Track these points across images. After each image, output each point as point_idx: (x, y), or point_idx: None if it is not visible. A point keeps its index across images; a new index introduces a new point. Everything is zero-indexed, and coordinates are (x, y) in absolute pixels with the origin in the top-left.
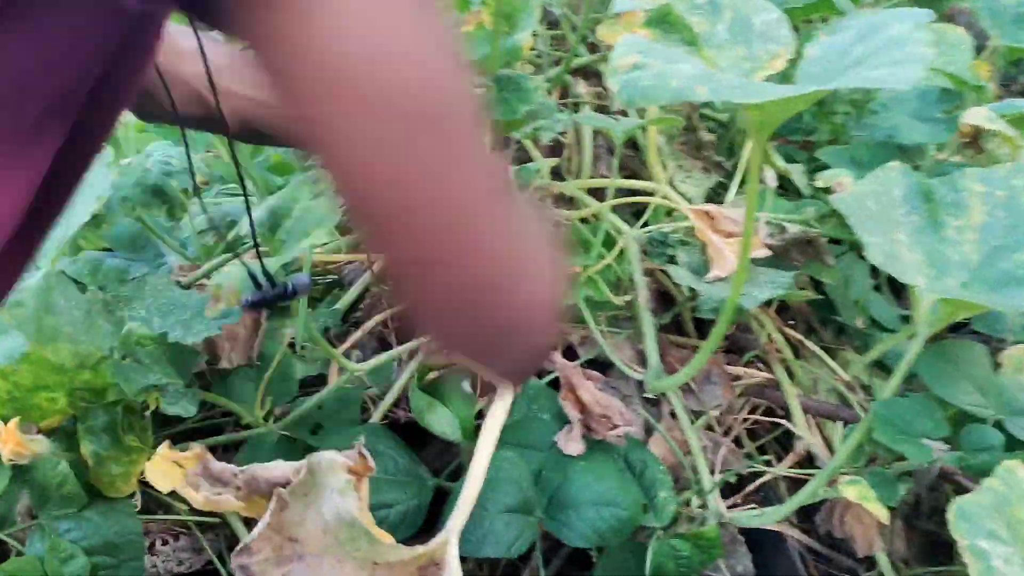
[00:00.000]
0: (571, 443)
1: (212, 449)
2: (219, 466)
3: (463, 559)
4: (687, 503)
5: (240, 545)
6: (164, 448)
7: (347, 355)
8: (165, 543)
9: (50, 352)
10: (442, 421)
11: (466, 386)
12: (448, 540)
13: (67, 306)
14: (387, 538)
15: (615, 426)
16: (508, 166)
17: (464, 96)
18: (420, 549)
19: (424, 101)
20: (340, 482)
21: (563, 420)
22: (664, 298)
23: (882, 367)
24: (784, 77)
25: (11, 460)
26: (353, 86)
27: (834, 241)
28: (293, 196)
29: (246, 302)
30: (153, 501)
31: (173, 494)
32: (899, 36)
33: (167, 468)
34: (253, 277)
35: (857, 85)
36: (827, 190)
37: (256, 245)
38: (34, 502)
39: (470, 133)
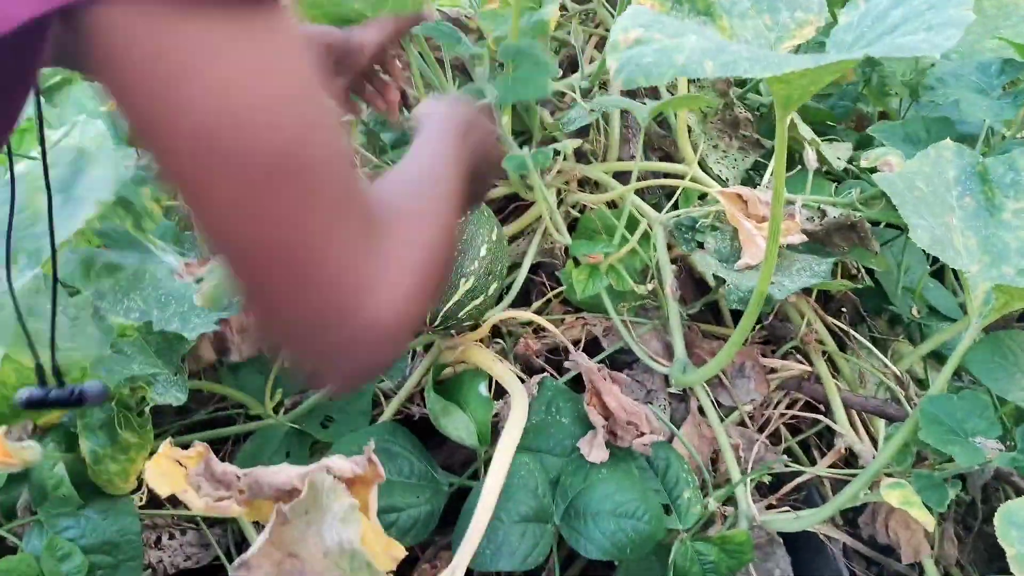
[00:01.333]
0: (595, 450)
1: (223, 441)
2: (222, 467)
3: (476, 573)
4: (720, 503)
5: (239, 560)
6: (165, 446)
7: None
8: (172, 537)
9: (27, 357)
10: (458, 426)
11: (483, 389)
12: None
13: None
14: (388, 565)
15: (642, 433)
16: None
17: (324, 154)
18: None
19: (283, 160)
20: (343, 508)
21: (583, 423)
22: (698, 284)
23: (940, 359)
24: (816, 47)
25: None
26: (220, 145)
27: (892, 226)
28: None
29: (22, 400)
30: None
31: None
32: None
33: (168, 468)
34: (39, 370)
35: (885, 54)
36: (873, 170)
37: (53, 329)
38: (33, 499)
39: (328, 185)
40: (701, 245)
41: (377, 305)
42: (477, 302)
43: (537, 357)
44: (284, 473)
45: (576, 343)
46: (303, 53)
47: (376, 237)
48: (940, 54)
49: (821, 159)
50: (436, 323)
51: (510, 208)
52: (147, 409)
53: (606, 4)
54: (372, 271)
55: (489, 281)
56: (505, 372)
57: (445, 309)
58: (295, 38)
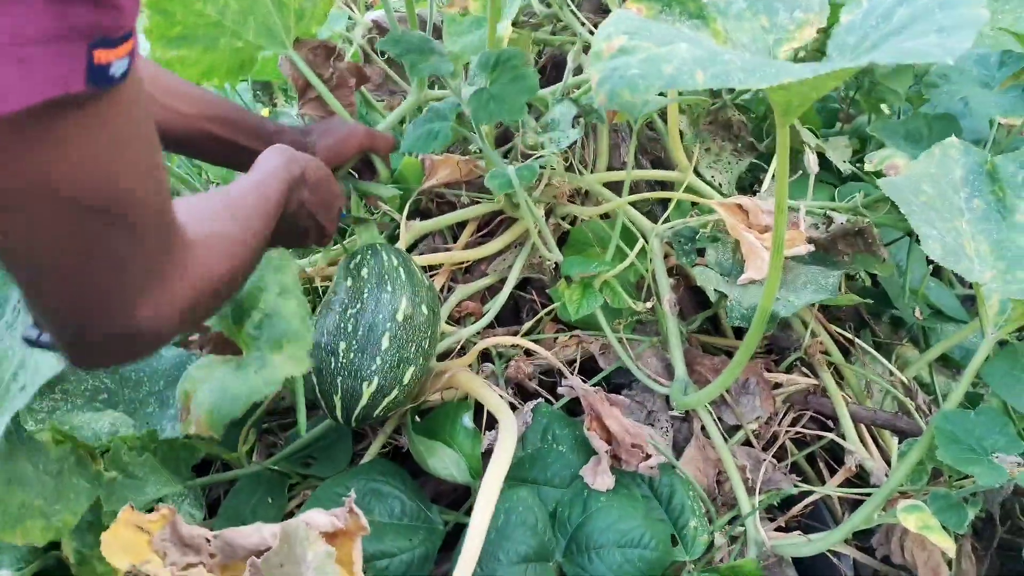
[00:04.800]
0: (600, 477)
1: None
2: (189, 530)
3: None
4: (725, 528)
5: None
6: (125, 512)
7: None
8: None
9: (19, 535)
10: (447, 463)
11: (467, 420)
12: None
13: (35, 473)
14: None
15: (647, 456)
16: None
17: (139, 200)
18: None
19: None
20: (318, 558)
21: (584, 450)
22: (696, 294)
23: (947, 363)
24: (816, 48)
25: None
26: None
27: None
28: (258, 284)
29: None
30: None
31: None
32: None
33: (128, 537)
34: None
35: (892, 60)
36: (878, 173)
37: None
38: None
39: (136, 222)
40: (701, 253)
41: (148, 311)
42: (391, 397)
43: (530, 380)
44: (258, 533)
45: (571, 363)
46: (140, 119)
47: (170, 257)
48: (952, 60)
49: (824, 163)
50: (352, 423)
51: (496, 220)
52: None
53: (571, 8)
54: (151, 284)
55: (402, 371)
56: (496, 399)
57: (356, 412)
58: (132, 109)
